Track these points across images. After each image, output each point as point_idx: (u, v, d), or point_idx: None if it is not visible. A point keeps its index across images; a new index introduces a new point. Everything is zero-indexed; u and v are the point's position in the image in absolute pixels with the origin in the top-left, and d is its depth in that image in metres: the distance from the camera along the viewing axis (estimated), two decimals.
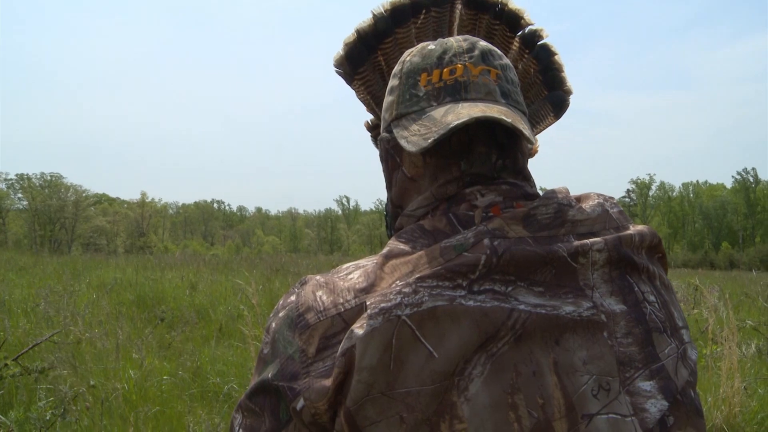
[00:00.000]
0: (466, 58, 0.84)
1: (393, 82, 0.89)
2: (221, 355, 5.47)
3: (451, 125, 0.74)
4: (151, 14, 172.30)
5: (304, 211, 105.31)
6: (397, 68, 0.90)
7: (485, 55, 0.85)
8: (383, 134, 0.91)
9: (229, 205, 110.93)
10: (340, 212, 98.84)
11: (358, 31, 1.05)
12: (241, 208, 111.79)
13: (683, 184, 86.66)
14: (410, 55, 0.89)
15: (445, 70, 0.83)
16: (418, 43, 1.01)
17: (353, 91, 1.08)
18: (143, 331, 6.30)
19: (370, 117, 1.13)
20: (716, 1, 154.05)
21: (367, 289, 0.71)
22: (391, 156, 0.89)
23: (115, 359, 4.71)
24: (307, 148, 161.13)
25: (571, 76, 1.11)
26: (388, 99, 0.90)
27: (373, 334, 0.66)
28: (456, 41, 0.86)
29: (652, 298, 0.77)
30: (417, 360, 0.66)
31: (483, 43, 0.87)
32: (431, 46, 0.87)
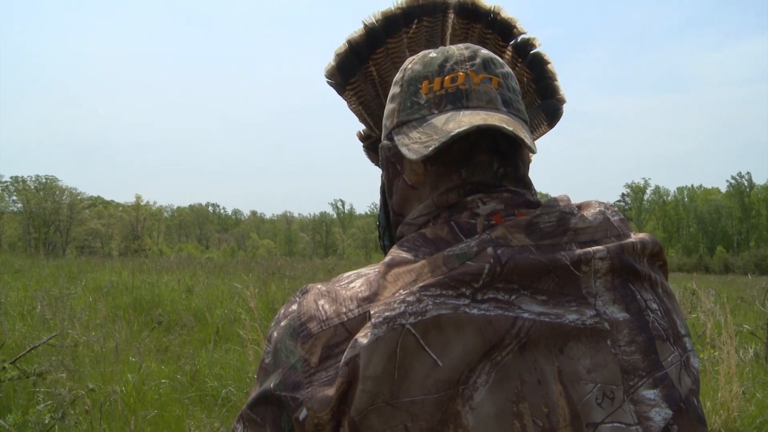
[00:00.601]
0: (468, 66, 0.83)
1: (394, 89, 0.89)
2: (219, 358, 5.46)
3: (452, 133, 0.74)
4: (146, 15, 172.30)
5: (299, 214, 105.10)
6: (398, 76, 0.90)
7: (487, 63, 0.85)
8: (384, 142, 0.90)
9: (224, 208, 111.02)
10: (335, 216, 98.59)
11: (349, 42, 1.04)
12: (236, 212, 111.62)
13: (678, 188, 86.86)
14: (411, 63, 0.88)
15: (446, 77, 0.83)
16: (410, 54, 1.01)
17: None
18: (140, 334, 6.29)
19: (362, 127, 1.13)
20: (711, 3, 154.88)
21: (370, 298, 0.71)
22: (392, 164, 0.89)
23: (113, 362, 4.69)
24: (303, 151, 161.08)
25: (566, 78, 1.10)
26: (389, 107, 0.90)
27: (378, 343, 0.66)
28: (458, 49, 0.86)
29: (654, 305, 0.76)
30: (421, 369, 0.66)
31: (484, 51, 0.87)
32: (432, 53, 0.87)
